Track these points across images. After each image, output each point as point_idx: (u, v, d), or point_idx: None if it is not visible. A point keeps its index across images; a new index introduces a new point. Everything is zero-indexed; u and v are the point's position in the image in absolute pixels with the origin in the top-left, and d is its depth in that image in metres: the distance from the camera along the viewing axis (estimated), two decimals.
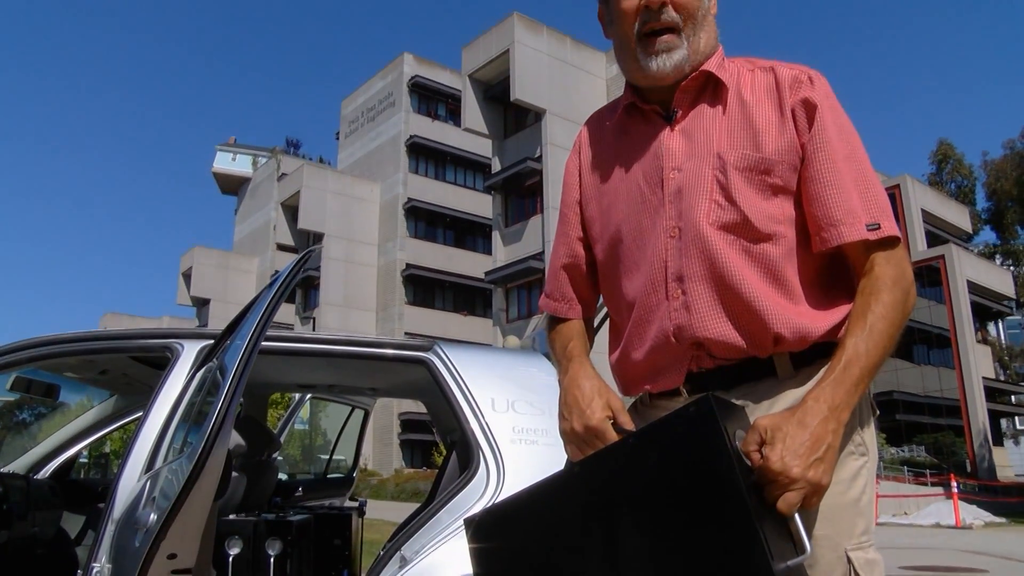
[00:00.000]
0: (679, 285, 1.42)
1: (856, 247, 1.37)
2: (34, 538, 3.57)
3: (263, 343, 2.16)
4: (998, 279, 36.29)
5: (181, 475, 1.95)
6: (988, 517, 18.94)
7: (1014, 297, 38.05)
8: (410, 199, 40.30)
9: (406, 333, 37.05)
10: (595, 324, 1.74)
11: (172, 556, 1.98)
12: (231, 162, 57.76)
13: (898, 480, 24.94)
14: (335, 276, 39.50)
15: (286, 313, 41.13)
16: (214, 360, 2.49)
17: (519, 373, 2.80)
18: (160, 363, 3.08)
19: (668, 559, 1.14)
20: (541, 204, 29.67)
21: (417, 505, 3.48)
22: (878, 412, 1.47)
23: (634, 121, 1.57)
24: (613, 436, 1.34)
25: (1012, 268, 41.96)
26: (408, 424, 36.47)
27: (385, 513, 12.54)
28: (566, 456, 1.45)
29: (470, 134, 33.61)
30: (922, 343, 34.10)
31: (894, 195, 31.93)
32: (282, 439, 5.34)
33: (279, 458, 5.13)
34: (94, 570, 2.33)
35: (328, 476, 5.94)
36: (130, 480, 2.50)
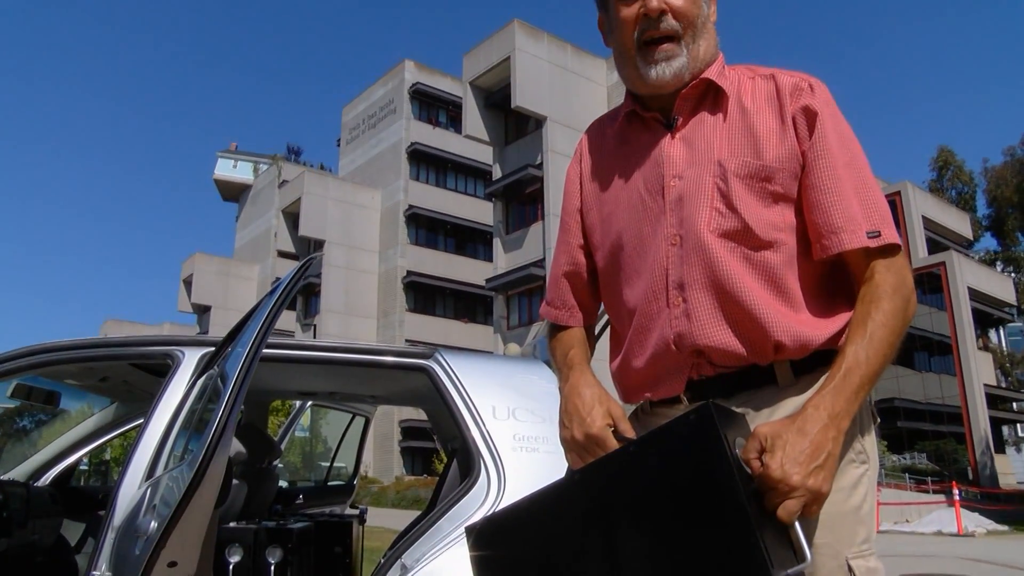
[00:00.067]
0: (680, 293, 1.42)
1: (856, 255, 1.37)
2: (34, 546, 3.57)
3: (264, 350, 2.16)
4: (999, 286, 36.27)
5: (182, 483, 1.94)
6: (991, 525, 18.90)
7: (1015, 304, 38.01)
8: (411, 206, 40.34)
9: (407, 340, 37.05)
10: (596, 331, 1.74)
11: (172, 564, 1.98)
12: (232, 169, 57.90)
13: (899, 487, 24.87)
14: (336, 283, 39.51)
15: (287, 320, 41.11)
16: (215, 367, 2.49)
17: (520, 381, 2.80)
18: (161, 370, 3.07)
19: (668, 567, 1.14)
20: (542, 211, 29.68)
21: (418, 513, 3.48)
22: (879, 420, 1.46)
23: (635, 129, 1.58)
24: (614, 444, 1.34)
25: (1013, 275, 41.94)
26: (409, 431, 36.43)
27: (386, 521, 12.52)
28: (567, 464, 1.45)
29: (471, 141, 33.66)
30: (923, 350, 34.07)
31: (895, 202, 31.93)
32: (283, 446, 5.33)
33: (280, 465, 5.12)
34: None
35: (329, 483, 5.93)
36: (131, 487, 2.50)
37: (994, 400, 32.85)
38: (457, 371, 2.77)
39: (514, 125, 32.07)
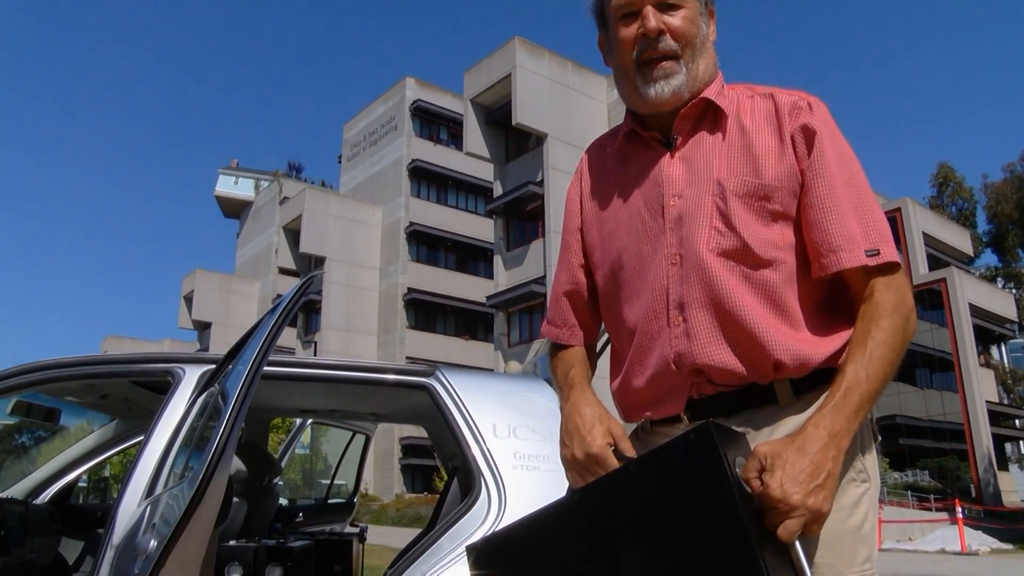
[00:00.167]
0: (680, 312, 1.42)
1: (856, 273, 1.37)
2: (32, 564, 3.55)
3: (265, 368, 2.16)
4: (1000, 302, 36.25)
5: (182, 501, 1.93)
6: (994, 543, 18.81)
7: (1016, 320, 37.98)
8: (412, 223, 40.41)
9: (407, 357, 37.01)
10: (597, 349, 1.74)
11: None
12: (233, 185, 58.03)
13: (902, 505, 24.77)
14: (337, 300, 39.52)
15: (288, 337, 41.10)
16: (216, 385, 2.49)
17: (520, 399, 2.80)
18: (161, 388, 3.07)
19: None
20: (543, 228, 29.72)
21: (418, 531, 3.46)
22: (880, 438, 1.46)
23: (634, 148, 1.58)
24: (614, 463, 1.34)
25: (1014, 291, 41.94)
26: (409, 449, 36.31)
27: (386, 539, 12.46)
28: (567, 483, 1.45)
29: (472, 158, 33.75)
30: (924, 366, 34.02)
31: (895, 218, 31.99)
32: (283, 464, 5.32)
33: (280, 483, 5.11)
34: None
35: (329, 501, 5.91)
36: (130, 505, 2.49)
37: (996, 417, 32.76)
38: (458, 389, 2.76)
39: (515, 142, 32.17)
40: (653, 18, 1.46)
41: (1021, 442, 39.51)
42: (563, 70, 31.34)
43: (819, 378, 1.37)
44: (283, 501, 5.55)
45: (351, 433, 5.38)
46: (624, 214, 1.55)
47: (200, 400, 2.62)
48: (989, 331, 36.30)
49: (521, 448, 2.58)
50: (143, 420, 3.84)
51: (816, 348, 1.38)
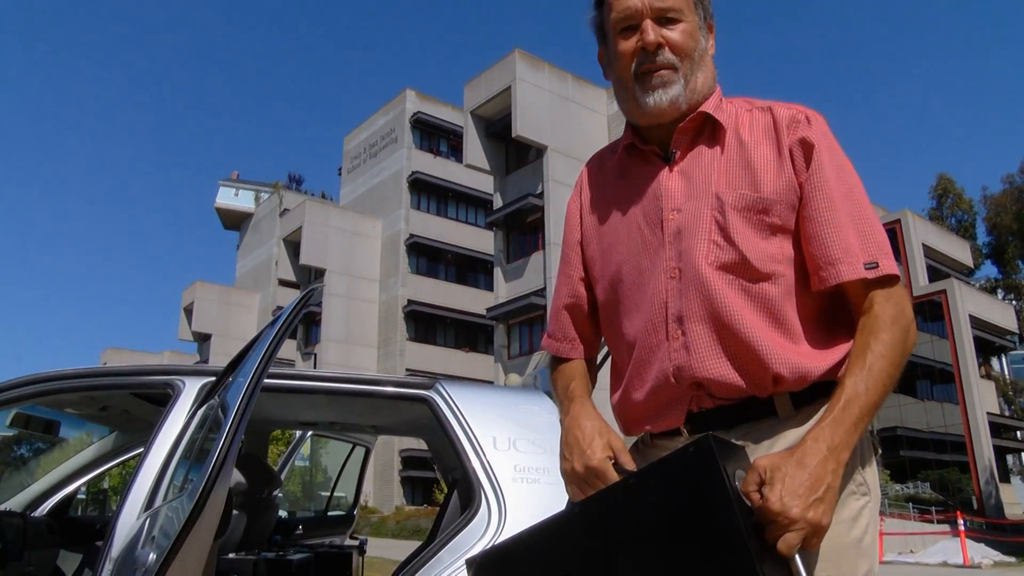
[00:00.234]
0: (679, 326, 1.42)
1: (855, 286, 1.37)
2: None
3: (264, 380, 2.16)
4: (1000, 313, 36.23)
5: (181, 513, 1.93)
6: (997, 556, 18.72)
7: (1017, 331, 37.95)
8: (412, 235, 40.44)
9: (407, 369, 36.96)
10: (597, 362, 1.75)
11: None
12: (233, 197, 58.11)
13: (903, 517, 24.68)
14: (337, 312, 39.50)
15: (287, 349, 41.04)
16: (216, 398, 2.49)
17: (521, 411, 2.80)
18: (161, 399, 3.07)
19: None
20: (543, 240, 29.74)
21: (418, 543, 3.45)
22: (880, 451, 1.46)
23: (634, 162, 1.59)
24: (614, 476, 1.34)
25: (1014, 302, 41.94)
26: (409, 461, 36.22)
27: (386, 551, 12.40)
28: (567, 496, 1.44)
29: (472, 170, 33.79)
30: (925, 378, 33.96)
31: (895, 230, 32.01)
32: (283, 476, 5.31)
33: (279, 495, 5.09)
34: None
35: (329, 513, 5.90)
36: (129, 518, 2.48)
37: (997, 429, 32.67)
38: (458, 401, 2.76)
39: (515, 154, 32.22)
40: (652, 31, 1.47)
41: (1023, 454, 39.44)
42: (563, 82, 31.44)
43: (819, 391, 1.37)
44: (283, 513, 5.53)
45: (351, 445, 5.38)
46: (623, 228, 1.55)
47: (200, 412, 2.62)
48: (990, 342, 36.26)
49: (521, 461, 2.58)
50: (143, 432, 3.83)
51: (815, 361, 1.38)
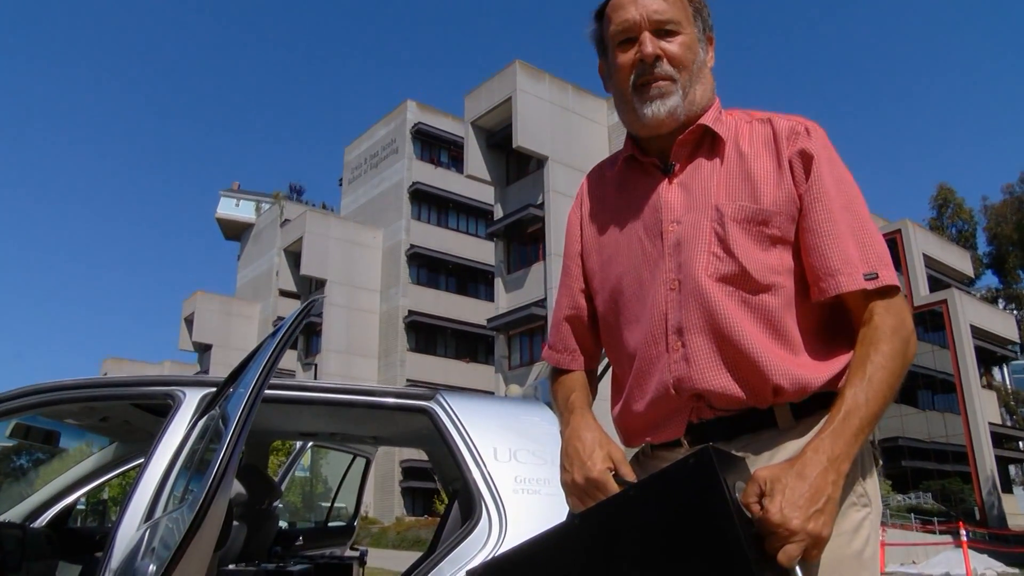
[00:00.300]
0: (679, 337, 1.43)
1: (855, 296, 1.38)
2: None
3: (265, 391, 2.16)
4: (1001, 323, 36.19)
5: (182, 525, 1.93)
6: (1000, 567, 18.63)
7: (1018, 341, 37.91)
8: (412, 245, 40.46)
9: (408, 380, 36.93)
10: (598, 373, 1.75)
11: None
12: (235, 207, 58.28)
13: (905, 528, 24.59)
14: (337, 322, 39.49)
15: (288, 359, 41.01)
16: (216, 408, 2.49)
17: (521, 422, 2.79)
18: (161, 410, 3.07)
19: None
20: (543, 251, 29.75)
21: (418, 554, 3.45)
22: (881, 462, 1.46)
23: (634, 174, 1.60)
24: (614, 487, 1.34)
25: (1015, 312, 41.93)
26: (409, 471, 36.15)
27: (386, 562, 12.36)
28: (568, 507, 1.44)
29: (472, 181, 33.84)
30: (926, 388, 33.91)
31: (895, 240, 32.03)
32: (283, 487, 5.30)
33: (279, 506, 5.08)
34: None
35: (329, 524, 5.88)
36: (129, 529, 2.48)
37: (999, 439, 32.60)
38: (458, 412, 2.76)
39: (515, 165, 32.27)
40: (650, 43, 1.48)
41: None
42: (563, 93, 31.52)
43: (819, 402, 1.37)
44: (283, 524, 5.52)
45: (351, 456, 5.37)
46: (624, 240, 1.56)
47: (201, 423, 2.62)
48: (991, 352, 36.22)
49: (522, 472, 2.58)
50: (143, 443, 3.83)
51: (815, 372, 1.38)
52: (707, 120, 1.52)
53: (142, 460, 2.73)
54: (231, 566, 3.78)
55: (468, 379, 37.86)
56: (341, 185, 47.50)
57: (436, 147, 43.34)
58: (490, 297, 34.91)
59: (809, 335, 1.41)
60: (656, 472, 1.24)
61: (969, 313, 31.88)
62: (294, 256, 42.72)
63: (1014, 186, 43.25)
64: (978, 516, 28.07)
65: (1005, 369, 42.67)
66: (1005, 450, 33.54)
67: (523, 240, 31.64)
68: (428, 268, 41.62)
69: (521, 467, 2.59)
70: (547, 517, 1.40)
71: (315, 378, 36.51)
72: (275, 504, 4.69)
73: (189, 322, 50.83)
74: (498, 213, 32.41)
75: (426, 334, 40.42)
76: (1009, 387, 42.74)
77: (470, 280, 42.86)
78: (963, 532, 17.96)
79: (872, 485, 1.39)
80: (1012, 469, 36.44)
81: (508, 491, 2.53)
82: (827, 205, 1.41)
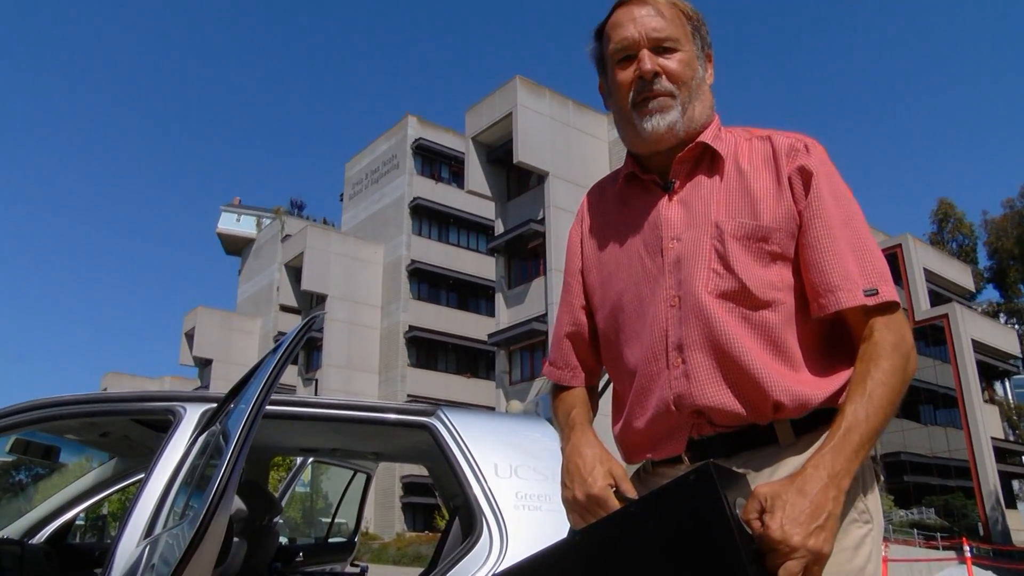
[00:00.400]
0: (679, 354, 1.43)
1: (855, 313, 1.38)
2: None
3: (266, 407, 2.16)
4: (1003, 338, 36.15)
5: (182, 541, 1.92)
6: None
7: (1020, 356, 37.84)
8: (413, 261, 40.49)
9: (409, 395, 36.87)
10: (599, 389, 1.75)
11: None
12: (235, 223, 58.35)
13: (908, 543, 24.45)
14: (338, 337, 39.46)
15: (289, 374, 40.92)
16: (217, 424, 2.49)
17: (522, 438, 2.79)
18: (162, 426, 3.07)
19: None
20: (544, 266, 29.77)
21: (419, 570, 3.43)
22: (883, 478, 1.46)
23: (634, 191, 1.60)
24: (615, 504, 1.34)
25: (1017, 326, 41.88)
26: (410, 487, 36.02)
27: None
28: (569, 523, 1.44)
29: (473, 196, 33.90)
30: (928, 403, 33.83)
31: (896, 254, 32.04)
32: (283, 503, 5.28)
33: (280, 522, 5.07)
34: None
35: (329, 540, 5.86)
36: (129, 545, 2.47)
37: (1002, 454, 32.49)
38: (459, 428, 2.76)
39: (516, 180, 32.34)
40: (648, 60, 1.49)
41: None
42: (564, 109, 31.62)
43: (819, 418, 1.37)
44: (283, 540, 5.50)
45: (352, 472, 5.36)
46: (624, 256, 1.56)
47: (201, 439, 2.62)
48: (993, 367, 36.16)
49: (523, 488, 2.58)
50: (143, 458, 3.83)
51: (816, 388, 1.38)
52: (706, 137, 1.52)
53: (142, 476, 2.73)
54: None
55: (469, 394, 37.80)
56: (342, 200, 47.59)
57: (437, 162, 43.44)
58: (491, 312, 34.90)
59: (809, 351, 1.42)
60: (657, 489, 1.24)
61: (970, 327, 31.85)
62: (295, 271, 42.77)
63: (1014, 200, 43.36)
64: (982, 532, 27.93)
65: (1007, 384, 42.59)
66: (1009, 465, 33.43)
67: (524, 255, 31.66)
68: (429, 283, 41.63)
69: (522, 483, 2.59)
70: (548, 533, 1.40)
71: (316, 393, 36.43)
72: (275, 520, 4.68)
73: (190, 337, 50.80)
74: (499, 228, 32.45)
75: (427, 349, 40.38)
76: (1012, 402, 42.62)
77: (471, 295, 42.87)
78: (967, 548, 17.86)
79: (874, 502, 1.38)
80: (1016, 484, 36.29)
81: (509, 507, 2.52)
82: (826, 221, 1.41)
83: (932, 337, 31.39)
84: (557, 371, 1.70)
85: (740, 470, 1.33)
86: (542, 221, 29.84)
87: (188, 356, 51.33)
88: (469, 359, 41.49)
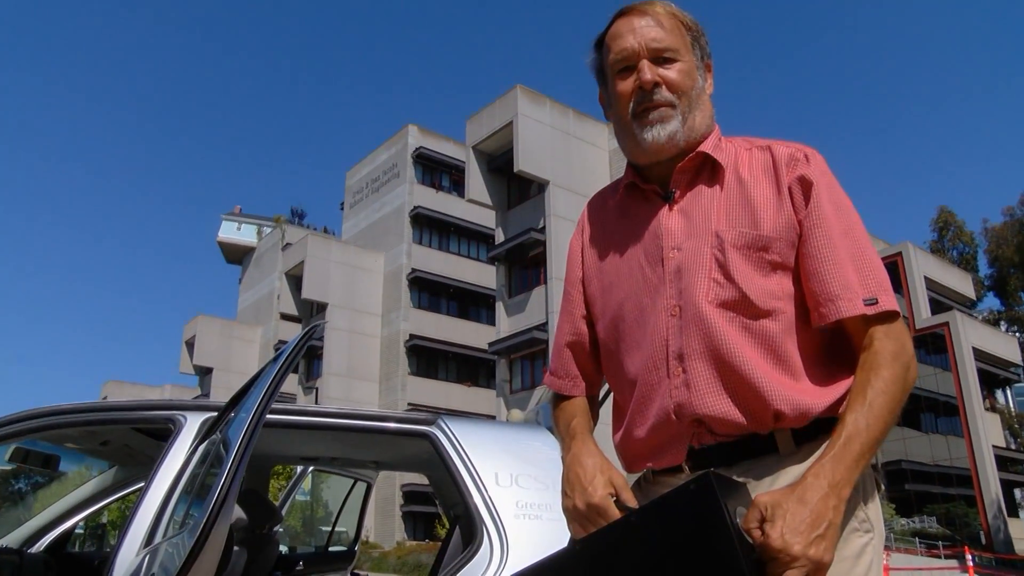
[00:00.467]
0: (679, 363, 1.43)
1: (855, 322, 1.38)
2: None
3: (267, 416, 2.16)
4: (1004, 346, 36.12)
5: (182, 550, 1.92)
6: None
7: (1021, 364, 37.80)
8: (414, 269, 40.51)
9: (409, 404, 36.84)
10: (599, 398, 1.75)
11: None
12: (236, 231, 58.51)
13: (910, 552, 24.39)
14: (338, 346, 39.45)
15: (289, 383, 40.77)
16: (217, 433, 2.49)
17: (523, 447, 2.79)
18: (162, 434, 3.06)
19: None
20: (544, 275, 29.78)
21: None
22: (884, 487, 1.46)
23: (634, 201, 1.61)
24: (615, 513, 1.34)
25: (1018, 335, 41.84)
26: (410, 495, 35.96)
27: None
28: (569, 533, 1.44)
29: (474, 205, 33.93)
30: (929, 411, 33.78)
31: (896, 262, 32.05)
32: (283, 511, 5.27)
33: (280, 530, 5.06)
34: None
35: (330, 549, 5.84)
36: (129, 554, 2.47)
37: (1004, 462, 32.43)
38: (460, 437, 2.76)
39: (517, 189, 32.38)
40: (648, 71, 1.50)
41: None
42: (564, 118, 31.68)
43: (820, 428, 1.37)
44: (283, 549, 5.48)
45: (352, 480, 5.34)
46: (624, 266, 1.57)
47: (201, 448, 2.62)
48: (994, 375, 36.13)
49: (523, 497, 2.57)
50: (143, 467, 3.82)
51: (816, 398, 1.38)
52: (707, 147, 1.53)
53: (142, 484, 2.73)
54: None
55: (469, 403, 37.77)
56: (342, 209, 47.67)
57: (437, 171, 43.51)
58: (491, 321, 34.91)
59: (810, 360, 1.42)
60: (657, 498, 1.24)
61: (971, 335, 31.84)
62: (295, 280, 42.78)
63: (1014, 208, 43.40)
64: (984, 540, 27.86)
65: (1008, 392, 42.55)
66: (1010, 473, 33.36)
67: (524, 264, 31.68)
68: (429, 292, 41.63)
69: (523, 492, 2.58)
70: (548, 542, 1.40)
71: (316, 402, 36.41)
72: (276, 529, 4.66)
73: (190, 345, 50.81)
74: (499, 237, 32.48)
75: (427, 358, 40.36)
76: (1013, 410, 42.56)
77: (471, 304, 42.86)
78: (969, 557, 17.82)
79: (874, 511, 1.38)
80: (1018, 493, 36.20)
81: (509, 516, 2.52)
82: (827, 231, 1.42)
83: (933, 345, 31.37)
84: (558, 380, 1.70)
85: (740, 479, 1.33)
86: (543, 230, 29.87)
87: (188, 364, 51.34)
88: (469, 368, 41.46)
